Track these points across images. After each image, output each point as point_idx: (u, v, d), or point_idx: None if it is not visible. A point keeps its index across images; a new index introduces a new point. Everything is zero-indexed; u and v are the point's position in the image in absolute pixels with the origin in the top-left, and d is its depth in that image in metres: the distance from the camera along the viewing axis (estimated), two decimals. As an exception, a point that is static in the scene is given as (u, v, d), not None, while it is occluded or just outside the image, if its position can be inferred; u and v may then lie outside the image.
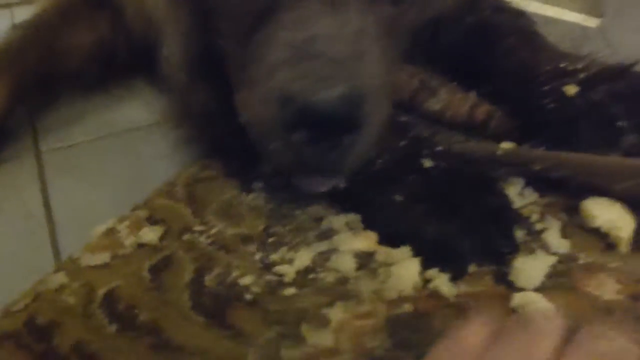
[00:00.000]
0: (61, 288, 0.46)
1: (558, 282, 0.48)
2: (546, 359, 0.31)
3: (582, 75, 0.61)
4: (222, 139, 0.63)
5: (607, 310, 0.46)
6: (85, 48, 0.84)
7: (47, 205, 0.68)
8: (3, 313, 0.44)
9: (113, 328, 0.43)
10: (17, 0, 1.40)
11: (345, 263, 0.49)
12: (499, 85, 0.64)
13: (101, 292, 0.46)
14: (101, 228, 0.57)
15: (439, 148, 0.58)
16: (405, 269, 0.48)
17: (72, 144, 0.81)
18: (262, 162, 0.62)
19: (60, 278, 0.48)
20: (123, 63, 0.89)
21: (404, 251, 0.50)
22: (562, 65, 0.63)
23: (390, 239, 0.52)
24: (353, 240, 0.51)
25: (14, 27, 0.83)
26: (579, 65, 0.62)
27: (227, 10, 0.49)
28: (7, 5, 1.39)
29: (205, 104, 0.63)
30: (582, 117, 0.57)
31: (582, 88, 0.60)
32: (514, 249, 0.51)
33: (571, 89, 0.60)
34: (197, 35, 0.58)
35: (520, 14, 0.72)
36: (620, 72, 0.60)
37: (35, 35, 0.82)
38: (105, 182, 0.72)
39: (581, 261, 0.49)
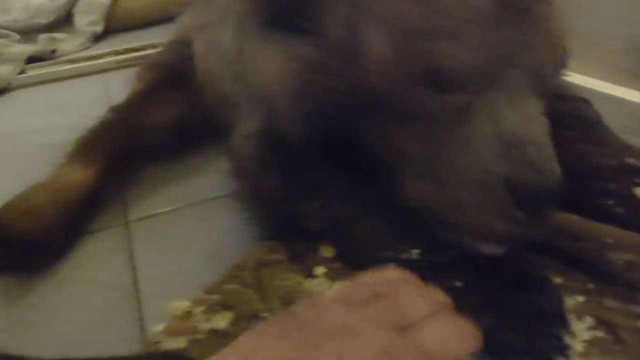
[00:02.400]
0: (146, 372, 0.53)
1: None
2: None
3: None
4: (287, 223, 0.68)
5: None
6: (167, 125, 0.95)
7: (134, 276, 0.76)
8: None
9: (189, 415, 0.48)
10: (113, 66, 1.56)
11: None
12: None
13: (180, 378, 0.52)
14: (179, 305, 0.64)
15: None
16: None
17: (155, 213, 0.89)
18: (324, 248, 0.67)
19: (145, 362, 0.54)
20: (199, 136, 0.99)
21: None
22: (628, 160, 0.64)
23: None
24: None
25: (108, 109, 0.95)
26: (647, 163, 0.63)
27: (416, 112, 0.54)
28: (104, 71, 1.56)
29: (278, 189, 0.68)
30: None
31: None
32: (561, 351, 0.52)
33: (640, 191, 0.61)
34: (309, 127, 0.62)
35: (583, 103, 0.73)
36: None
37: (125, 116, 0.93)
38: (185, 253, 0.79)
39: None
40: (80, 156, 0.86)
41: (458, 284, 0.56)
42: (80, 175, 0.84)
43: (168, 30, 1.90)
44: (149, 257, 0.80)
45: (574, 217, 0.61)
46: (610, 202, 0.60)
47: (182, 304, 0.63)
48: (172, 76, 0.97)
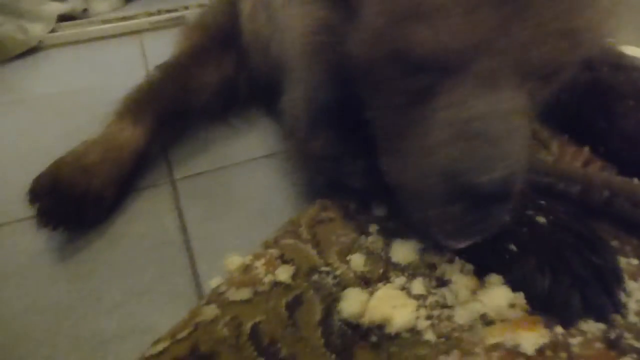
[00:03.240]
0: (215, 319, 0.55)
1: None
2: None
3: None
4: (340, 182, 0.69)
5: None
6: (212, 86, 0.95)
7: (184, 232, 0.78)
8: (171, 339, 0.53)
9: (262, 360, 0.51)
10: (146, 27, 1.56)
11: (461, 316, 0.54)
12: (616, 146, 0.65)
13: (248, 325, 0.54)
14: (235, 259, 0.65)
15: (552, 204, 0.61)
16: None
17: (200, 172, 0.91)
18: (377, 207, 0.68)
19: (213, 310, 0.56)
20: (243, 98, 0.99)
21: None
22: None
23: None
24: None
25: (155, 67, 0.95)
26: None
27: (386, 86, 0.53)
28: (138, 32, 1.55)
29: (325, 149, 0.69)
30: None
31: None
32: (617, 308, 0.54)
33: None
34: (331, 90, 0.63)
35: (638, 72, 0.72)
36: None
37: (172, 76, 0.93)
38: (232, 211, 0.81)
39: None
40: (129, 115, 0.87)
41: (512, 247, 0.56)
42: (130, 134, 0.85)
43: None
44: (197, 214, 0.81)
45: (636, 182, 0.61)
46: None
47: (237, 259, 0.65)
48: (218, 37, 0.96)
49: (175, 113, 0.92)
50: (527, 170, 0.51)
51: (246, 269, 0.62)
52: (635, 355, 0.50)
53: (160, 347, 0.52)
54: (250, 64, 0.95)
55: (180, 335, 0.53)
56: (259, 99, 0.99)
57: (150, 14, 1.59)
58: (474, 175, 0.47)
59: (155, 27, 1.56)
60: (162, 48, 1.35)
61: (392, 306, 0.54)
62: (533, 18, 0.46)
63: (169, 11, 1.61)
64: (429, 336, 0.53)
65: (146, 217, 0.82)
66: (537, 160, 0.67)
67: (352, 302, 0.55)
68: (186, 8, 1.62)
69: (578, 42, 0.49)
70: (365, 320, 0.54)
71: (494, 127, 0.47)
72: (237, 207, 0.82)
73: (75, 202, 0.77)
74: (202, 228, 0.78)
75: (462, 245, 0.55)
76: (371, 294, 0.56)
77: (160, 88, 0.91)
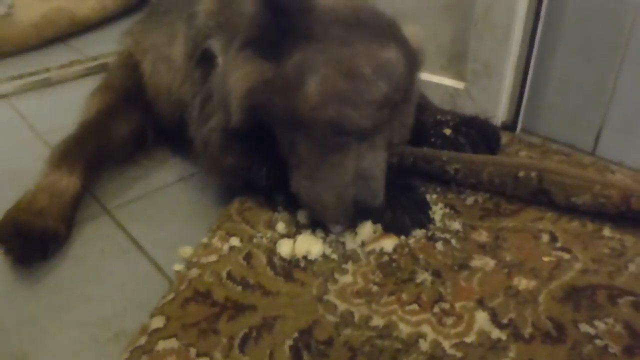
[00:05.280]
0: (200, 275, 0.83)
1: (458, 235, 0.92)
2: None
3: (451, 122, 1.09)
4: (249, 184, 1.01)
5: (481, 245, 0.90)
6: (125, 136, 1.21)
7: (136, 243, 1.02)
8: (175, 292, 0.79)
9: (240, 288, 0.80)
10: (12, 91, 1.67)
11: (353, 243, 0.91)
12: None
13: (224, 273, 0.83)
14: (186, 249, 0.93)
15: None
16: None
17: (129, 200, 1.14)
18: (277, 196, 1.02)
19: (196, 271, 0.83)
20: (150, 142, 1.27)
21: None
22: (439, 117, 1.11)
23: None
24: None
25: (77, 124, 1.16)
26: (449, 117, 1.11)
27: (317, 137, 0.87)
28: (5, 96, 1.66)
29: (238, 161, 1.00)
30: (452, 148, 1.06)
31: (453, 130, 1.07)
32: (429, 221, 0.96)
33: (448, 131, 1.08)
34: (247, 122, 0.93)
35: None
36: (472, 119, 1.09)
37: (93, 131, 1.17)
38: (168, 222, 1.07)
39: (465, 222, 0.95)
40: (63, 165, 1.07)
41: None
42: (67, 181, 1.06)
43: (54, 53, 2.03)
44: (141, 230, 1.05)
45: (425, 149, 1.05)
46: (433, 139, 1.07)
47: (188, 248, 0.93)
48: (125, 97, 1.22)
49: (98, 159, 1.15)
50: None
51: (206, 245, 0.90)
52: (442, 241, 0.92)
53: (169, 297, 0.79)
54: (155, 111, 1.22)
55: (181, 288, 0.80)
56: (164, 141, 1.27)
57: (14, 78, 1.71)
58: (369, 201, 0.87)
59: (21, 91, 1.68)
60: (40, 108, 1.51)
61: (309, 244, 0.88)
62: (398, 118, 0.90)
63: (31, 74, 1.74)
64: (334, 256, 0.88)
65: (98, 239, 1.03)
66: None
67: (284, 247, 0.88)
68: (47, 70, 1.77)
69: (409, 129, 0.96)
70: (295, 254, 0.87)
71: (375, 171, 0.88)
72: (171, 219, 1.07)
73: (38, 240, 0.95)
74: (149, 237, 1.02)
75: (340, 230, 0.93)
76: (295, 240, 0.89)
77: (84, 141, 1.13)
